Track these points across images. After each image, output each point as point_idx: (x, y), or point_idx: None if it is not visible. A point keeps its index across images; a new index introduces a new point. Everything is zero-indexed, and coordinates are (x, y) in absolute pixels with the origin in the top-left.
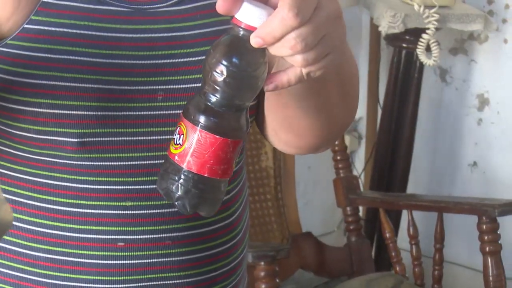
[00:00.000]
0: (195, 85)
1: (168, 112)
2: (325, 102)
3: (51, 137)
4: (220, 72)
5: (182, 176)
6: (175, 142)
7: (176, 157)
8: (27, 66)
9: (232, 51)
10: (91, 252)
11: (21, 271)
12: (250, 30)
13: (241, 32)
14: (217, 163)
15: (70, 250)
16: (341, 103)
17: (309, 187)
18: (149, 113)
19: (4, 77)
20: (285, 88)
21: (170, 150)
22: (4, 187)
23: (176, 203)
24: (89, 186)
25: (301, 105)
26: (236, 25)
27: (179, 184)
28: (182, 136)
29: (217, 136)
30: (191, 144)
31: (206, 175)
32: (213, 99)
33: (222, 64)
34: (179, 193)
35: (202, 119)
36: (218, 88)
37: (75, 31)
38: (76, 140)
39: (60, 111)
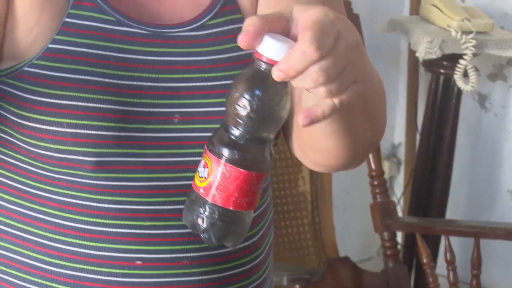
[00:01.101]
0: (212, 109)
1: (184, 134)
2: (350, 125)
3: (70, 156)
4: (243, 106)
5: (208, 209)
6: (200, 175)
7: (201, 190)
8: (50, 86)
9: (254, 84)
10: (109, 270)
11: (38, 285)
12: (271, 64)
13: (263, 66)
14: (242, 196)
15: (88, 267)
16: (367, 123)
17: (348, 212)
18: (165, 135)
19: (28, 96)
20: (320, 121)
21: (195, 182)
22: (23, 203)
23: (201, 235)
24: (106, 205)
25: (326, 130)
26: (258, 58)
27: (204, 217)
28: (206, 169)
29: (242, 170)
30: (216, 177)
31: (231, 208)
32: (237, 132)
33: (244, 98)
34: (205, 226)
35: (226, 152)
36: (241, 121)
37: (95, 51)
38: (93, 159)
39: (79, 131)
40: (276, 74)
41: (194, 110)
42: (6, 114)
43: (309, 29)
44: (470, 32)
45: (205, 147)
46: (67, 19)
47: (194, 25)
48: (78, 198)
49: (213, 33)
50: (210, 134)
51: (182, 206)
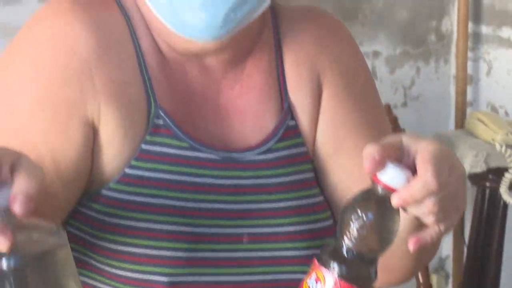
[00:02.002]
0: (279, 229)
1: (253, 254)
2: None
3: (144, 276)
4: (359, 226)
5: None
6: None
7: None
8: (127, 209)
9: (371, 207)
10: None
11: None
12: (389, 189)
13: (380, 190)
14: None
15: None
16: (438, 242)
17: None
18: (235, 254)
19: (105, 219)
20: (426, 246)
21: None
22: None
23: None
24: None
25: (397, 249)
26: (377, 183)
27: None
28: (319, 282)
29: (353, 285)
30: None
31: None
32: (350, 250)
33: (361, 218)
34: None
35: (340, 268)
36: (356, 240)
37: (170, 176)
38: (166, 279)
39: (153, 252)
40: (396, 201)
41: (263, 231)
42: (84, 236)
43: (430, 163)
44: None
45: (316, 261)
46: (143, 146)
47: (261, 150)
48: None
49: (279, 156)
50: (317, 251)
51: None
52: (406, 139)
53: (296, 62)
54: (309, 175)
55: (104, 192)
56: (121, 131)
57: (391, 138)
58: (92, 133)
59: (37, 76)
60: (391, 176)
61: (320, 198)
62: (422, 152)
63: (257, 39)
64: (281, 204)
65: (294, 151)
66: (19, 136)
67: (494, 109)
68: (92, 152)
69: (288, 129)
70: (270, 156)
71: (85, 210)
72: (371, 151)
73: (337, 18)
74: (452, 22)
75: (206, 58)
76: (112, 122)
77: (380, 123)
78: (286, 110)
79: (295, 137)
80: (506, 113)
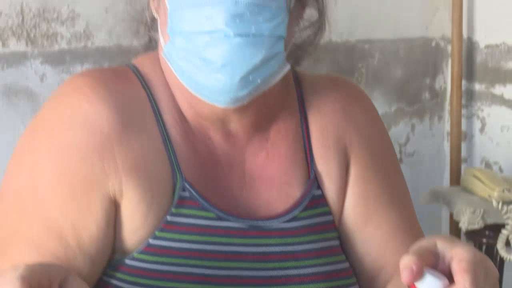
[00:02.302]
0: None
1: None
2: None
3: None
4: None
5: None
6: None
7: None
8: (151, 278)
9: None
10: None
11: None
12: None
13: None
14: None
15: None
16: None
17: None
18: None
19: (128, 287)
20: None
21: None
22: None
23: None
24: None
25: None
26: None
27: None
28: None
29: None
30: None
31: None
32: None
33: None
34: None
35: None
36: None
37: (196, 246)
38: None
39: None
40: None
41: None
42: None
43: (467, 272)
44: (511, 203)
45: None
46: (168, 217)
47: (287, 218)
48: None
49: (304, 225)
50: None
51: None
52: (440, 244)
53: (322, 131)
54: (335, 242)
55: (128, 261)
56: (144, 205)
57: (425, 242)
58: (114, 208)
59: (58, 153)
60: (429, 285)
61: (346, 265)
62: (459, 259)
63: (280, 105)
64: (308, 270)
65: (319, 220)
66: (40, 212)
67: (488, 165)
68: (115, 225)
69: (314, 198)
70: (295, 224)
71: (107, 279)
72: (408, 262)
73: (359, 87)
74: (445, 80)
75: (230, 123)
76: (135, 196)
77: (403, 195)
78: (313, 179)
79: (321, 206)
80: (501, 169)
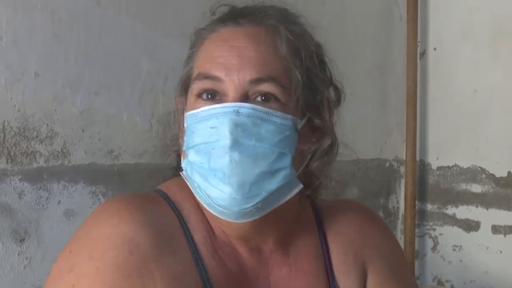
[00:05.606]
0: None
1: None
2: None
3: None
4: None
5: None
6: None
7: None
8: None
9: None
10: None
11: None
12: None
13: None
14: None
15: None
16: None
17: None
18: None
19: None
20: None
21: None
22: None
23: None
24: None
25: None
26: None
27: None
28: None
29: None
30: None
31: None
32: None
33: None
34: None
35: None
36: None
37: None
38: None
39: None
40: None
41: None
42: None
43: None
44: None
45: None
46: None
47: None
48: None
49: None
50: None
51: None
52: None
53: (342, 249)
54: None
55: None
56: None
57: None
58: None
59: (100, 273)
60: None
61: None
62: None
63: (297, 223)
64: None
65: None
66: None
67: (440, 283)
68: None
69: None
70: None
71: None
72: None
73: (371, 208)
74: (398, 200)
75: (251, 239)
76: None
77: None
78: None
79: None
80: (452, 287)
